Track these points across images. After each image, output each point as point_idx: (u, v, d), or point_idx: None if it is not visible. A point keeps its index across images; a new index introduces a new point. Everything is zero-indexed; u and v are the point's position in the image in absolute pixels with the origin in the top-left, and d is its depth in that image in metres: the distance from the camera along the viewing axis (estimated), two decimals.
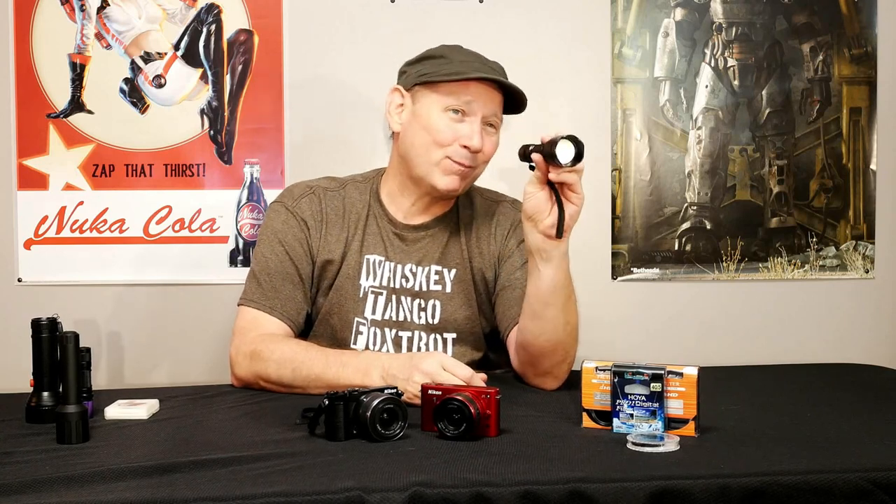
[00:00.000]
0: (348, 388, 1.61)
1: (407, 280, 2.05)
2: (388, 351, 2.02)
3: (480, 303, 2.07)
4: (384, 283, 2.04)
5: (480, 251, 2.08)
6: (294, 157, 2.58)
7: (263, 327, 1.99)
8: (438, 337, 2.04)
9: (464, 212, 2.11)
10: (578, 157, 1.75)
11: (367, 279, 2.04)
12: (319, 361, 1.86)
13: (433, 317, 2.04)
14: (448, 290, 2.05)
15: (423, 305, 2.04)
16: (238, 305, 2.05)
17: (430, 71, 2.02)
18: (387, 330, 2.03)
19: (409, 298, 2.04)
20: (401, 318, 2.04)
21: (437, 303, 2.04)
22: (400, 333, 2.03)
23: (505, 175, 2.41)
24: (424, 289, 2.05)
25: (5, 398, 1.92)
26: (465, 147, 1.98)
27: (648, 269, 2.70)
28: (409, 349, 2.02)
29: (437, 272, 2.06)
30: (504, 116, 2.08)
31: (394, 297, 2.04)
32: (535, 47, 2.64)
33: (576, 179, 1.78)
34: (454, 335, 2.04)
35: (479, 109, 2.00)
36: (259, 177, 2.57)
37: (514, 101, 2.06)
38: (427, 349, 2.03)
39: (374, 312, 2.04)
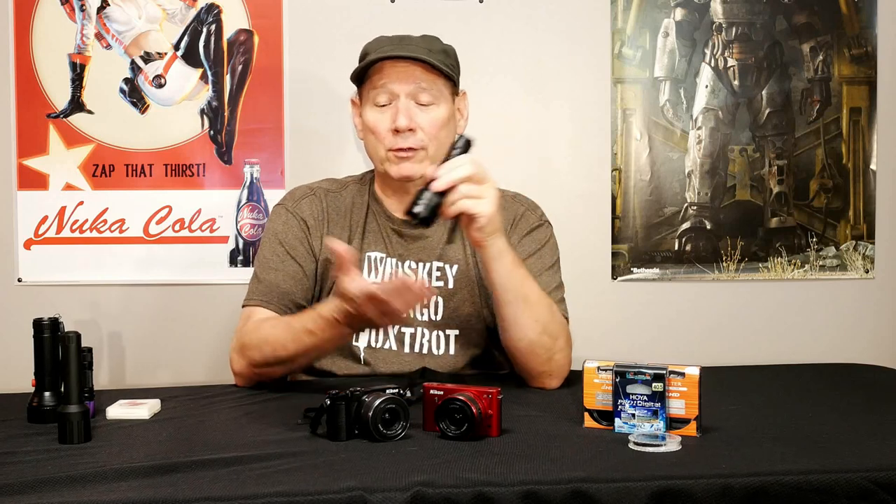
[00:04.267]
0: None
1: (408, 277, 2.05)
2: (391, 349, 2.02)
3: (484, 298, 2.06)
4: (386, 279, 2.04)
5: None
6: (294, 157, 2.58)
7: (254, 319, 2.00)
8: (441, 333, 2.04)
9: None
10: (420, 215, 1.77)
11: (368, 276, 2.04)
12: (289, 337, 1.88)
13: (436, 313, 2.04)
14: (451, 286, 2.05)
15: (425, 302, 2.04)
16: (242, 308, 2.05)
17: (353, 71, 2.05)
18: (389, 326, 2.03)
19: None
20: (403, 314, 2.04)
21: (440, 299, 2.04)
22: (403, 330, 2.03)
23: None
24: (426, 285, 2.05)
25: (7, 398, 1.91)
26: (396, 131, 1.98)
27: (648, 269, 2.70)
28: (413, 346, 2.02)
29: (438, 268, 2.06)
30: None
31: None
32: (535, 47, 2.65)
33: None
34: (457, 332, 2.04)
35: (399, 89, 1.99)
36: (259, 177, 2.57)
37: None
38: (430, 346, 2.03)
39: None
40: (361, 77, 2.04)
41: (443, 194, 1.76)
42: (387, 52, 1.99)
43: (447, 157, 1.80)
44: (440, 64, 1.99)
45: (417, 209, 1.76)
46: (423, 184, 1.78)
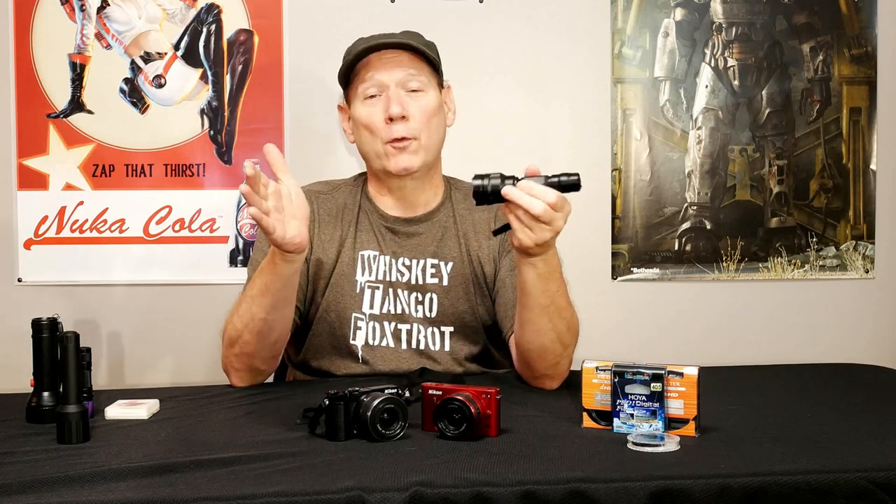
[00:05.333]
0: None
1: (402, 274, 2.05)
2: (388, 346, 2.02)
3: (480, 296, 2.06)
4: (380, 276, 2.04)
5: (479, 245, 2.07)
6: (294, 157, 2.58)
7: None
8: (436, 330, 2.04)
9: (459, 205, 2.11)
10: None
11: (362, 274, 2.04)
12: (246, 291, 1.89)
13: (430, 310, 2.04)
14: (445, 283, 2.04)
15: (420, 299, 2.04)
16: None
17: (339, 71, 2.06)
18: (385, 323, 2.03)
19: (405, 292, 2.04)
20: (399, 311, 2.04)
21: (434, 296, 2.04)
22: (399, 326, 2.03)
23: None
24: (420, 282, 2.05)
25: (5, 398, 1.91)
26: (390, 120, 1.98)
27: (648, 269, 2.70)
28: (409, 342, 2.02)
29: (433, 265, 2.06)
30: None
31: (391, 290, 2.04)
32: (535, 47, 2.65)
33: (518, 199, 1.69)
34: (451, 328, 2.04)
35: (388, 78, 1.99)
36: None
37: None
38: (427, 342, 2.03)
39: (371, 307, 2.04)
40: (349, 77, 2.04)
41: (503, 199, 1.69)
42: (372, 43, 2.00)
43: (554, 182, 1.68)
44: (426, 50, 2.01)
45: (479, 182, 1.68)
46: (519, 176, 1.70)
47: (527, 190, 1.67)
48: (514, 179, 1.69)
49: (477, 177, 1.69)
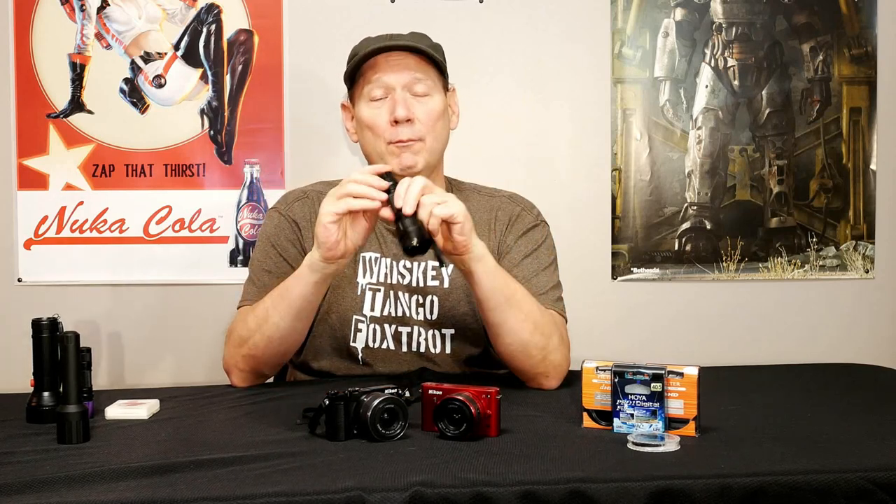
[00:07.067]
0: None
1: (403, 277, 2.05)
2: (389, 348, 2.02)
3: None
4: (381, 279, 2.04)
5: None
6: (294, 157, 2.58)
7: None
8: (437, 332, 2.04)
9: None
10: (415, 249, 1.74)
11: (363, 276, 2.04)
12: (276, 293, 1.90)
13: (431, 312, 2.04)
14: (446, 285, 2.05)
15: (421, 301, 2.04)
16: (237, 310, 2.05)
17: (346, 71, 2.06)
18: (386, 326, 2.03)
19: (406, 294, 2.04)
20: (399, 313, 2.04)
21: (436, 298, 2.04)
22: (400, 329, 2.03)
23: (497, 171, 2.41)
24: (422, 284, 2.05)
25: (5, 398, 1.91)
26: (395, 123, 1.97)
27: (648, 269, 2.70)
28: (410, 345, 2.02)
29: (434, 268, 2.06)
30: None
31: (391, 292, 2.04)
32: (535, 47, 2.65)
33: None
34: (452, 331, 2.04)
35: (395, 81, 1.99)
36: (259, 177, 2.57)
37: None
38: (427, 345, 2.03)
39: (372, 309, 2.04)
40: (354, 76, 2.04)
41: (416, 216, 1.73)
42: (379, 45, 1.99)
43: (388, 191, 1.76)
44: (433, 53, 2.00)
45: (411, 241, 1.72)
46: (391, 221, 1.76)
47: (399, 197, 1.73)
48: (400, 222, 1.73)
49: (405, 249, 1.73)
